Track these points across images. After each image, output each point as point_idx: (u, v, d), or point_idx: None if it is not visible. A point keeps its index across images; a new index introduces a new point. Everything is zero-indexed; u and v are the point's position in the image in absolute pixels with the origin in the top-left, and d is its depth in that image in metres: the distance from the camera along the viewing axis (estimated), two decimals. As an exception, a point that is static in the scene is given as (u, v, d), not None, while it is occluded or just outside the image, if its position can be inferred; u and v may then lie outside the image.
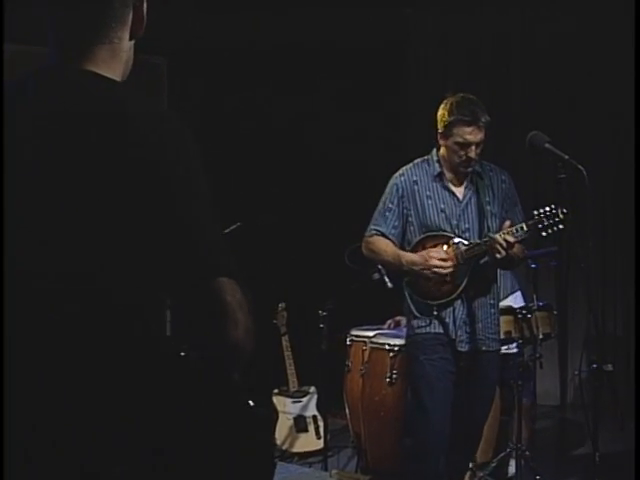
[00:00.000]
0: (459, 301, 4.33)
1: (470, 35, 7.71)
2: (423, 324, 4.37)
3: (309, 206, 7.57)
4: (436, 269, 4.22)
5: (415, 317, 4.41)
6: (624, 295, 7.23)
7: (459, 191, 4.37)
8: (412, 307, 4.42)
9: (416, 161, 4.48)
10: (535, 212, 4.09)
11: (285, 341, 6.25)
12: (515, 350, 5.29)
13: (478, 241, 4.24)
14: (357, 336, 5.79)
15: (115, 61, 2.08)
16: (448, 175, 4.37)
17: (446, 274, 4.23)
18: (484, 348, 4.38)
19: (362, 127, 7.61)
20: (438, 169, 4.37)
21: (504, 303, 5.72)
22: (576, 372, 4.44)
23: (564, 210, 3.97)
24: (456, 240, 4.28)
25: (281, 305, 6.36)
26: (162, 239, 1.93)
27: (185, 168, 1.98)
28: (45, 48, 2.05)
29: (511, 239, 4.10)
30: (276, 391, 6.30)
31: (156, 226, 1.93)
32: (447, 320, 4.34)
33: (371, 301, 5.81)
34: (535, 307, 5.23)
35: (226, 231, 5.88)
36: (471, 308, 4.34)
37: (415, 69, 7.98)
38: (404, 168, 4.48)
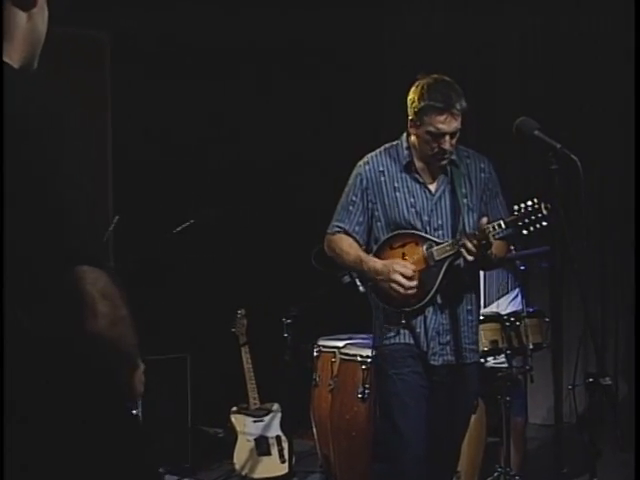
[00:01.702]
0: (431, 308, 4.25)
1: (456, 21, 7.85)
2: (391, 334, 4.30)
3: (272, 202, 7.59)
4: (395, 285, 4.12)
5: (381, 326, 4.35)
6: (625, 300, 7.29)
7: (431, 182, 4.29)
8: (379, 318, 4.36)
9: (383, 147, 4.38)
10: (515, 207, 4.02)
11: (245, 352, 6.26)
12: (503, 362, 5.33)
13: (451, 240, 4.16)
14: (325, 346, 5.82)
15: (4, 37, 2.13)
16: (418, 164, 4.28)
17: (405, 295, 4.14)
18: (460, 361, 4.31)
19: (332, 121, 7.70)
20: (407, 158, 4.27)
21: (497, 305, 5.78)
22: (569, 386, 4.42)
23: (548, 205, 3.90)
24: (427, 243, 4.20)
25: (240, 312, 6.36)
26: (27, 223, 2.03)
27: (56, 154, 2.09)
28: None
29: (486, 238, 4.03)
30: (234, 409, 6.30)
31: (22, 209, 2.03)
32: (418, 330, 4.26)
33: (341, 307, 5.84)
34: (525, 314, 5.26)
35: (178, 229, 5.88)
36: (445, 316, 4.27)
37: (394, 62, 8.08)
38: (369, 155, 4.38)
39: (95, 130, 7.14)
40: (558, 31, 7.52)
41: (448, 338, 4.26)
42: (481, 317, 5.17)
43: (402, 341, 4.27)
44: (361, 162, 4.37)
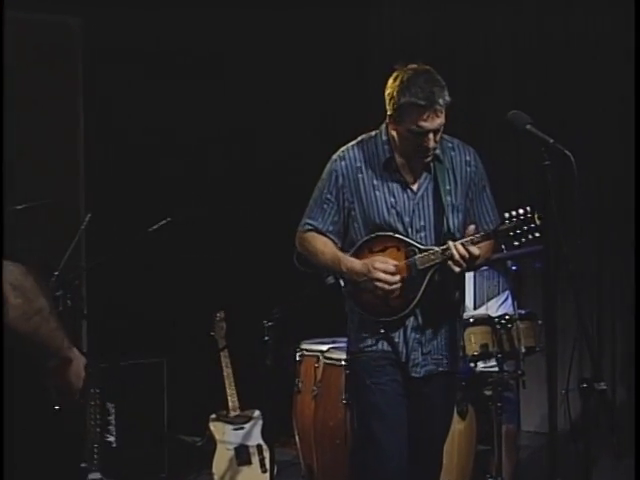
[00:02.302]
0: (412, 318, 4.14)
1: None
2: (368, 341, 4.20)
3: (252, 199, 7.59)
4: (379, 283, 4.02)
5: (357, 331, 4.25)
6: (623, 301, 7.33)
7: (413, 181, 4.16)
8: (355, 322, 4.27)
9: (360, 138, 4.24)
10: (506, 215, 3.94)
11: (224, 357, 6.25)
12: (494, 367, 5.35)
13: (435, 249, 4.04)
14: (308, 350, 5.84)
15: None
16: (399, 160, 4.13)
17: (391, 290, 4.05)
18: (441, 369, 4.23)
19: (318, 117, 7.74)
20: (387, 154, 4.13)
21: (486, 308, 5.80)
22: (562, 391, 4.43)
23: (541, 215, 3.84)
24: (409, 248, 4.07)
25: (219, 314, 6.35)
26: None
27: None
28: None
29: (473, 251, 3.95)
30: (213, 416, 6.29)
31: None
32: (397, 340, 4.16)
33: (324, 309, 5.83)
34: (516, 316, 5.27)
35: (154, 227, 5.88)
36: (427, 325, 4.16)
37: (381, 59, 8.14)
38: (345, 149, 4.23)
39: (65, 123, 7.13)
40: (555, 30, 7.58)
41: (429, 348, 4.18)
42: (471, 320, 5.22)
43: (380, 348, 4.17)
44: (336, 156, 4.23)
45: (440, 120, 3.95)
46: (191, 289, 7.17)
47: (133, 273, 6.85)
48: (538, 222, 3.87)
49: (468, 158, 4.22)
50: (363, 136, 4.24)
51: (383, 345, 4.18)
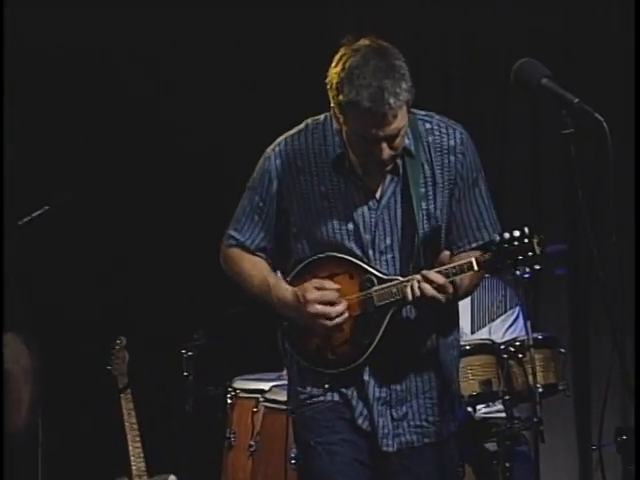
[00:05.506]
0: (370, 370, 4.08)
1: None
2: (312, 393, 4.14)
3: (167, 189, 7.62)
4: (319, 320, 3.99)
5: (296, 383, 4.23)
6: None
7: (375, 184, 4.06)
8: (293, 369, 4.25)
9: (304, 124, 4.18)
10: (497, 238, 3.89)
11: (125, 400, 6.27)
12: (499, 412, 5.42)
13: (399, 279, 3.98)
14: (244, 390, 5.87)
15: None
16: (354, 158, 4.03)
17: (331, 328, 4.02)
18: (427, 440, 4.18)
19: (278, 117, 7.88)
20: (339, 148, 4.05)
21: (488, 331, 5.87)
22: (593, 446, 4.52)
23: (542, 239, 3.85)
24: (365, 277, 4.02)
25: (119, 341, 6.39)
26: None
27: None
28: None
29: (437, 279, 3.87)
30: (111, 484, 6.35)
31: None
32: (353, 401, 4.10)
33: (266, 334, 5.90)
34: (531, 342, 5.30)
35: (25, 220, 5.91)
36: (397, 378, 4.11)
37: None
38: (283, 140, 4.18)
39: None
40: (552, 30, 7.75)
41: (404, 410, 4.13)
42: (467, 347, 5.24)
43: (329, 399, 4.13)
44: (270, 151, 4.20)
45: (396, 124, 3.84)
46: (79, 305, 7.18)
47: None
48: (538, 250, 3.86)
49: (452, 143, 4.10)
50: (308, 121, 4.19)
51: (333, 395, 4.14)
